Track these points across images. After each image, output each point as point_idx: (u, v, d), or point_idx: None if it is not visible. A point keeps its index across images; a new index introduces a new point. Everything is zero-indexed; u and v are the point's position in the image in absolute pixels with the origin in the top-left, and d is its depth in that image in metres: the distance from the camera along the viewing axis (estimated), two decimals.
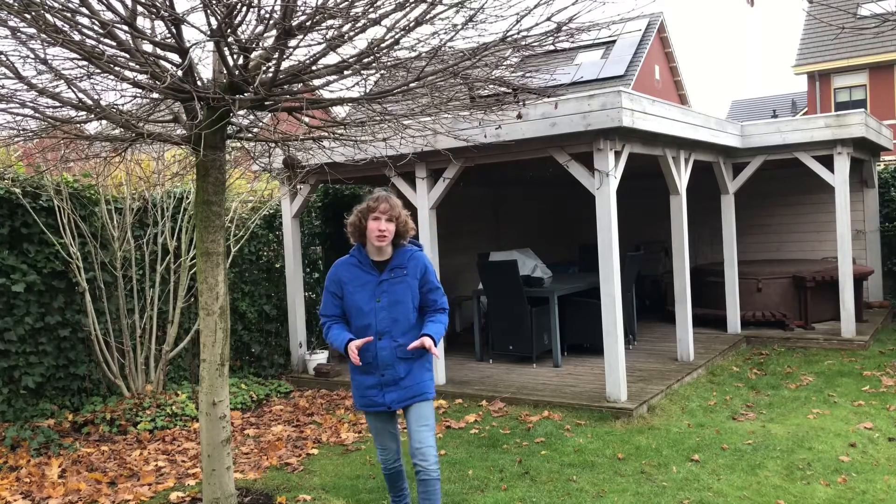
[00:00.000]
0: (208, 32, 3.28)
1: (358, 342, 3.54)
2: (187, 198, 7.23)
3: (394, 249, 3.67)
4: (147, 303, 6.93)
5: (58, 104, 3.62)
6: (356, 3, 3.38)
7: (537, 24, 3.75)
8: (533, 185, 12.50)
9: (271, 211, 8.57)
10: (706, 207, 11.28)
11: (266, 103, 3.86)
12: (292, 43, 3.50)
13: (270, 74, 3.63)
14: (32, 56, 3.30)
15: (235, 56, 3.53)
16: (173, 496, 4.70)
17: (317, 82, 3.93)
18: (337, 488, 4.79)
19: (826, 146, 8.61)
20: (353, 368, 3.72)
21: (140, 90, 3.66)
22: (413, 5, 3.44)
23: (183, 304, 6.97)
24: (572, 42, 4.12)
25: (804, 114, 28.28)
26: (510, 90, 5.12)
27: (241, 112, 4.43)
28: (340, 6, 3.37)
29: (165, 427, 6.28)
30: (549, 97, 6.05)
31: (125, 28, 3.31)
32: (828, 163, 8.69)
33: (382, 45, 3.60)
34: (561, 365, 7.83)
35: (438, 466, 3.67)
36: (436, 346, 3.58)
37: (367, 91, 3.98)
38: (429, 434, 3.66)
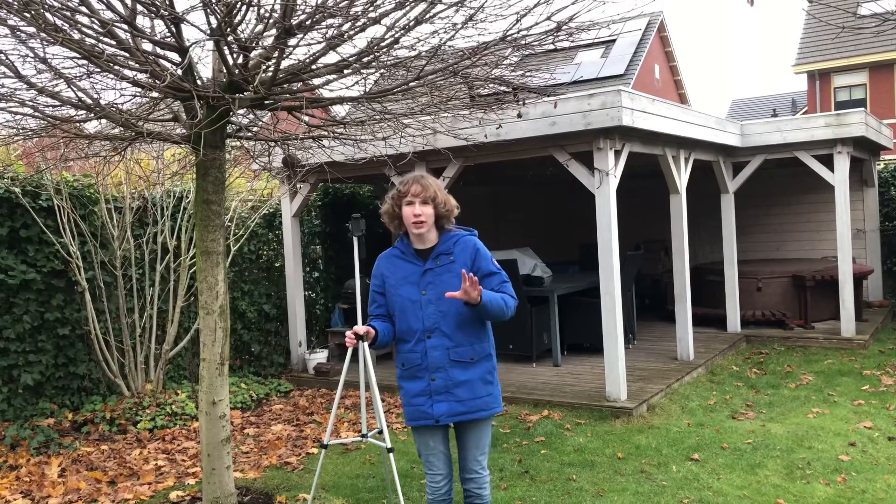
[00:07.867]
0: (208, 31, 3.28)
1: (359, 328, 3.24)
2: (187, 197, 7.22)
3: (439, 235, 3.25)
4: (147, 302, 6.93)
5: (57, 103, 3.62)
6: (356, 2, 3.38)
7: (537, 24, 3.74)
8: (533, 185, 12.50)
9: (271, 210, 8.57)
10: (706, 207, 11.28)
11: (266, 102, 3.86)
12: (292, 42, 3.50)
13: (270, 73, 3.63)
14: (32, 55, 3.30)
15: (235, 55, 3.53)
16: (173, 495, 4.70)
17: (316, 81, 3.92)
18: (337, 487, 4.79)
19: (826, 145, 8.61)
20: (400, 374, 3.29)
21: (140, 89, 3.66)
22: (413, 4, 3.44)
23: (183, 303, 6.96)
24: (572, 41, 4.12)
25: (804, 113, 28.28)
26: (510, 89, 5.12)
27: (241, 111, 4.44)
28: (340, 5, 3.37)
29: (165, 426, 6.28)
30: (548, 96, 6.06)
31: (125, 27, 3.31)
32: (828, 162, 8.69)
33: (382, 44, 3.60)
34: (561, 364, 7.83)
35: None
36: (482, 302, 3.04)
37: (367, 90, 3.97)
38: (485, 459, 3.28)
